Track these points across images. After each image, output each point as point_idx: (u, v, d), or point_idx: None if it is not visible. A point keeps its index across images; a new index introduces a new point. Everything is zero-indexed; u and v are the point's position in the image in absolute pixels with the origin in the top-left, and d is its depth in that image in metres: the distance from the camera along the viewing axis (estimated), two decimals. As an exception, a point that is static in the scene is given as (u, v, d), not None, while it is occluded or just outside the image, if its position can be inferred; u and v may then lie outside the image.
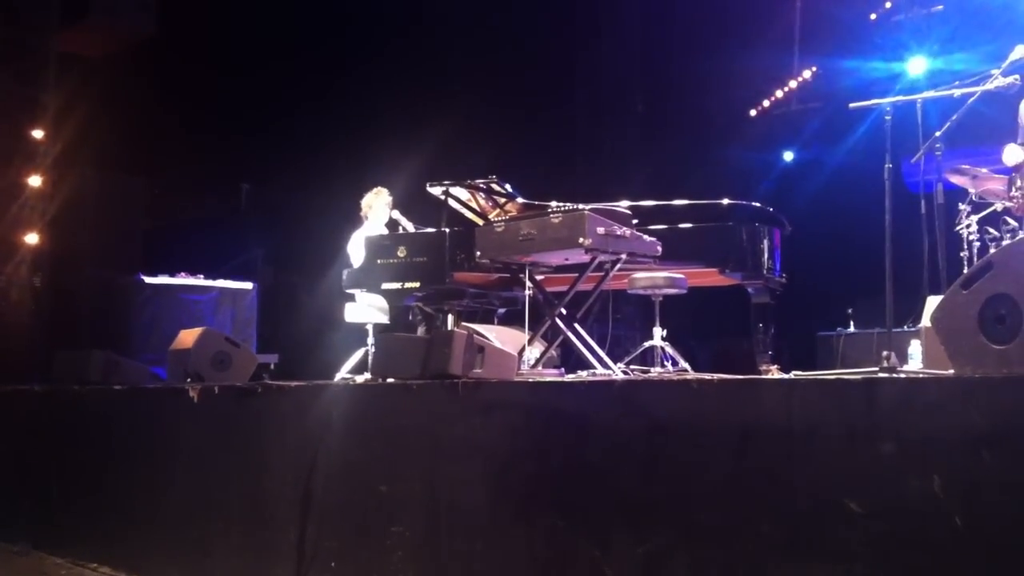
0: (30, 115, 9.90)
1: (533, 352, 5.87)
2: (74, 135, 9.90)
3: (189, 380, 5.33)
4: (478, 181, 6.45)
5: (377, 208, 7.53)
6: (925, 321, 4.52)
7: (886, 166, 4.84)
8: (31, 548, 5.66)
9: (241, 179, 10.99)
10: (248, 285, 9.54)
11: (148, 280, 9.04)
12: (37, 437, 5.94)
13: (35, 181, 9.87)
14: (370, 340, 7.10)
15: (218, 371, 5.50)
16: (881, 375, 3.83)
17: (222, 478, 4.73)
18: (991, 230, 6.15)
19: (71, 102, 9.91)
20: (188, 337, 5.68)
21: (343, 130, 10.26)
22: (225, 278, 9.43)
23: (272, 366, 8.76)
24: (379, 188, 7.62)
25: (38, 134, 9.92)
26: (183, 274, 9.23)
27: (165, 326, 8.29)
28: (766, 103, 11.83)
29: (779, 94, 11.73)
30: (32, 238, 9.81)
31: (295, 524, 4.31)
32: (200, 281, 9.26)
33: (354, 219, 7.66)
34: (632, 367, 6.44)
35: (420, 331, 6.85)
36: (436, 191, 6.47)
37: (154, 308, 8.94)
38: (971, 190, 6.12)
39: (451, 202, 6.54)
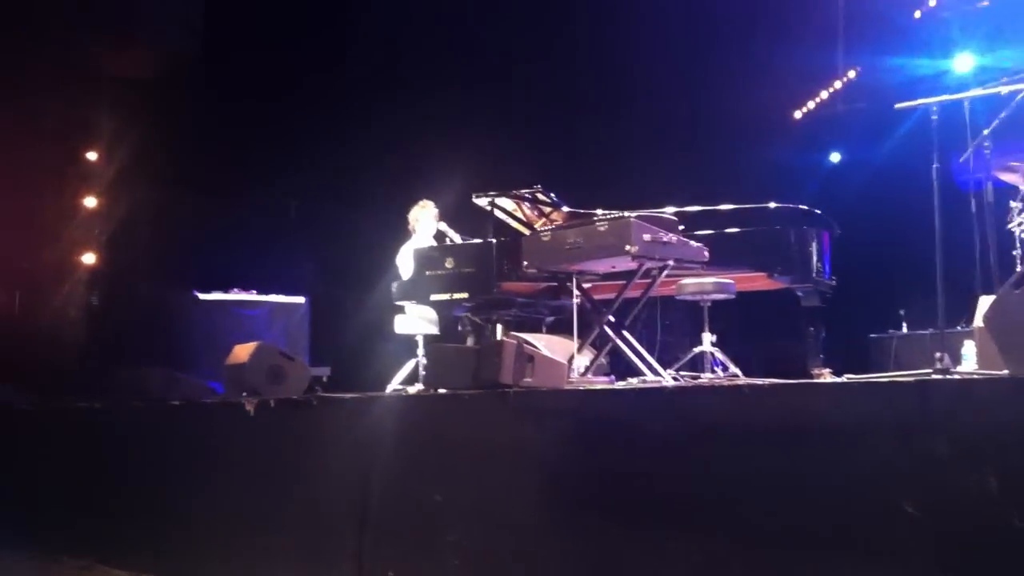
0: (84, 138, 10.13)
1: (583, 360, 5.89)
2: (127, 155, 10.11)
3: (245, 394, 5.42)
4: (523, 191, 6.49)
5: (424, 221, 7.60)
6: (978, 321, 4.47)
7: (934, 166, 4.81)
8: (96, 562, 5.76)
9: (290, 194, 11.13)
10: (300, 299, 9.66)
11: (202, 296, 9.19)
12: (98, 452, 6.06)
13: (90, 202, 10.09)
14: (420, 351, 7.16)
15: (273, 384, 5.57)
16: (934, 376, 3.81)
17: (280, 490, 4.81)
18: (1043, 227, 6.06)
19: (123, 123, 10.12)
20: (243, 352, 5.76)
21: (389, 143, 10.36)
22: (277, 292, 9.56)
23: (325, 379, 8.86)
24: (424, 201, 7.69)
25: (92, 156, 10.15)
26: (236, 290, 9.37)
27: (219, 341, 8.40)
28: (811, 104, 11.75)
29: (824, 95, 11.65)
30: (89, 257, 10.03)
31: (353, 534, 4.37)
32: (253, 296, 9.39)
33: (401, 232, 7.74)
34: (682, 373, 6.43)
35: (469, 341, 6.90)
36: (482, 202, 6.52)
37: (208, 324, 9.08)
38: (1022, 188, 6.04)
39: (497, 212, 6.59)
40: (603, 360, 6.22)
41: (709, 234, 6.29)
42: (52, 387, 8.41)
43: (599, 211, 6.31)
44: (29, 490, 6.45)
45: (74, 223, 10.06)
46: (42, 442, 6.59)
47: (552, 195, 6.40)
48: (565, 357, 5.16)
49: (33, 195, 9.85)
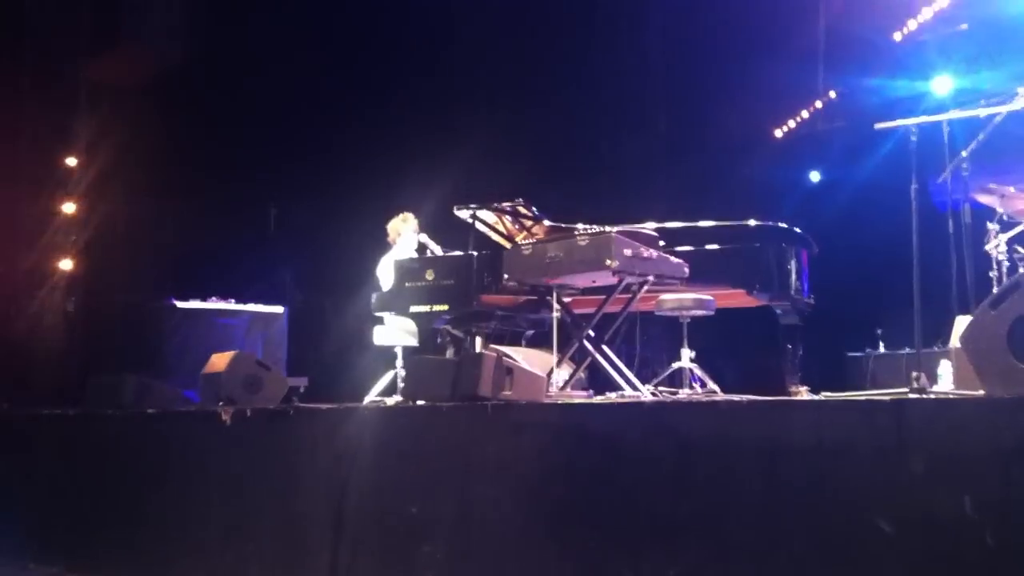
0: (62, 143, 10.08)
1: (561, 374, 5.89)
2: (105, 162, 10.06)
3: (221, 403, 5.39)
4: (505, 204, 6.49)
5: (404, 233, 7.59)
6: (954, 341, 4.50)
7: (912, 186, 4.85)
8: (65, 570, 5.71)
9: (270, 203, 11.10)
10: (278, 308, 9.62)
11: (179, 304, 9.14)
12: (72, 460, 6.01)
13: (68, 208, 10.03)
14: (399, 363, 7.14)
15: (250, 394, 5.55)
16: (911, 396, 3.83)
17: (255, 500, 4.78)
18: (1020, 249, 6.11)
19: (102, 130, 10.08)
20: (220, 361, 5.73)
21: (371, 153, 10.35)
22: (255, 301, 9.51)
23: (302, 389, 8.82)
24: (405, 213, 7.68)
25: (70, 162, 10.09)
26: (214, 298, 9.32)
27: (197, 350, 8.35)
28: (791, 123, 11.82)
29: (804, 114, 11.72)
30: (65, 264, 9.96)
31: (328, 545, 4.34)
32: (231, 305, 9.34)
33: (382, 243, 7.72)
34: (660, 388, 6.44)
35: (449, 354, 6.89)
36: (463, 214, 6.52)
37: (186, 332, 9.02)
38: (999, 209, 6.09)
39: (478, 225, 6.59)
40: (582, 374, 6.23)
41: (689, 250, 6.32)
42: (26, 394, 8.34)
43: (580, 225, 6.32)
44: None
45: (51, 229, 9.99)
46: (13, 448, 6.53)
47: (534, 208, 6.41)
48: (544, 371, 5.16)
49: (10, 200, 9.78)
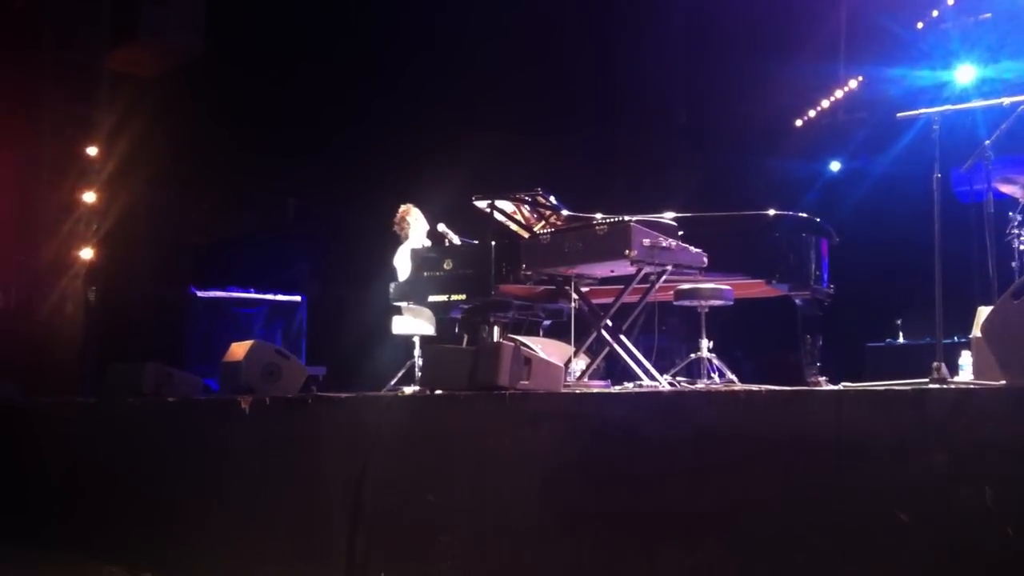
0: (83, 133, 10.13)
1: (579, 364, 5.88)
2: (126, 152, 10.11)
3: (240, 392, 5.40)
4: (523, 194, 6.48)
5: (413, 224, 7.59)
6: (975, 332, 4.46)
7: (935, 176, 4.80)
8: (86, 557, 5.75)
9: (288, 194, 11.13)
10: (297, 298, 9.67)
11: (199, 294, 9.19)
12: (92, 448, 6.05)
13: (89, 197, 10.09)
14: (417, 352, 7.15)
15: (268, 383, 5.56)
16: (931, 386, 3.80)
17: (273, 488, 4.80)
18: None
19: (123, 120, 10.13)
20: (239, 349, 5.74)
21: (389, 144, 10.36)
22: (274, 291, 9.55)
23: (320, 378, 8.86)
24: (405, 206, 7.69)
25: (92, 151, 10.15)
26: (233, 288, 9.37)
27: (216, 339, 8.41)
28: (812, 113, 11.77)
29: (825, 104, 11.66)
30: (86, 253, 10.02)
31: (344, 534, 4.35)
32: (250, 295, 9.39)
33: (397, 235, 7.74)
34: (678, 379, 6.42)
35: (466, 343, 6.89)
36: (481, 204, 6.51)
37: (205, 321, 9.09)
38: (1022, 200, 6.04)
39: (497, 215, 6.58)
40: (599, 364, 6.21)
41: (708, 240, 6.28)
42: (47, 382, 8.41)
43: (599, 215, 6.30)
44: (20, 485, 6.44)
45: (72, 219, 10.05)
46: (35, 437, 6.58)
47: (552, 198, 6.40)
48: (561, 361, 5.15)
49: (31, 190, 9.85)
